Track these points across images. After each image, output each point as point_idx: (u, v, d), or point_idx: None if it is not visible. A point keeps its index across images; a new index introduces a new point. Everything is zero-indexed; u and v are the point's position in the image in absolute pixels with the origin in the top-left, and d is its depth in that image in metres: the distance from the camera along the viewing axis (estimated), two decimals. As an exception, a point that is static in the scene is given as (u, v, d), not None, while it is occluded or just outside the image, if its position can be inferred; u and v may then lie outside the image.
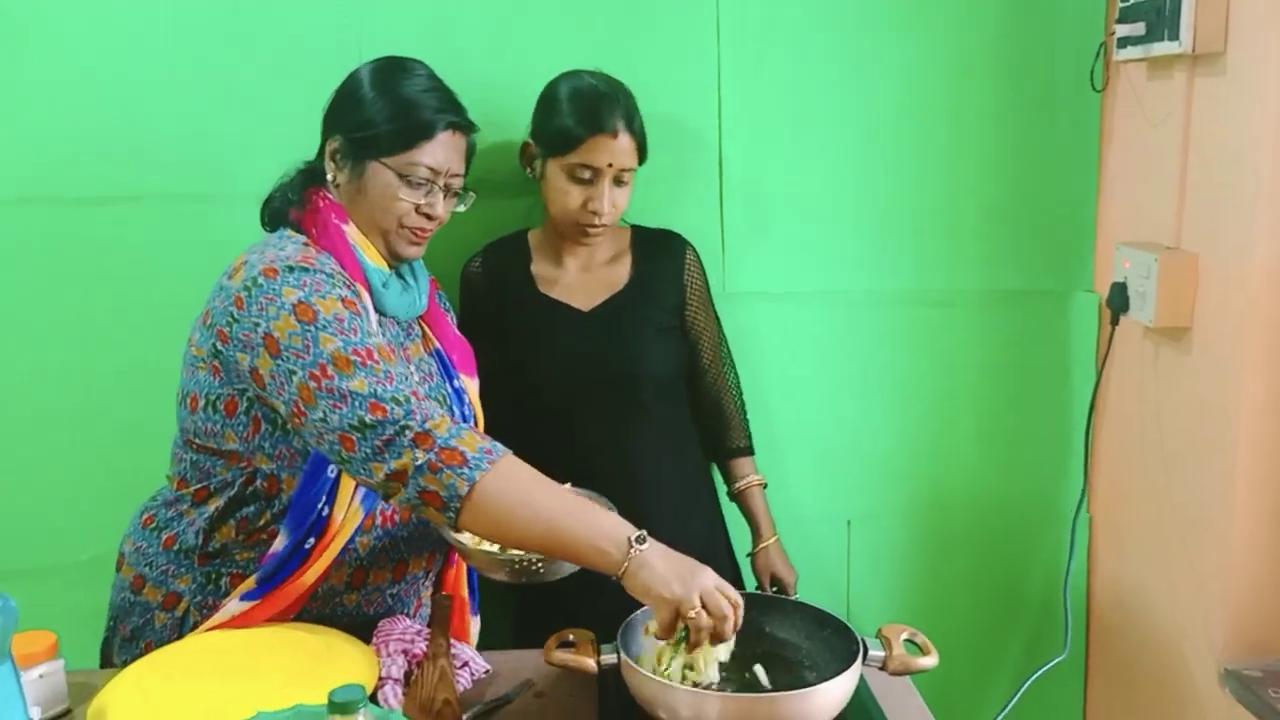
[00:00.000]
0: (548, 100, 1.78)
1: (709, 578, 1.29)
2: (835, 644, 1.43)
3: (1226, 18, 1.70)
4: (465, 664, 1.49)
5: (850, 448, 2.14)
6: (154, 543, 1.56)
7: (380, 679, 1.40)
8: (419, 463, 1.30)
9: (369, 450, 1.33)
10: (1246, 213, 1.68)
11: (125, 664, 1.55)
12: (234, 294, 1.42)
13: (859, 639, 1.40)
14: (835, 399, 2.12)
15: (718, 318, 1.97)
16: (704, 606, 1.26)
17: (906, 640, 1.43)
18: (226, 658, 1.40)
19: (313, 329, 1.37)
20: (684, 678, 1.32)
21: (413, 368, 1.60)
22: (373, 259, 1.55)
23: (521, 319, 1.85)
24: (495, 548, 1.46)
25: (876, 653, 1.40)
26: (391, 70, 1.57)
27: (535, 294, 1.86)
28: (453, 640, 1.51)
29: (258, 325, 1.39)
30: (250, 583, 1.48)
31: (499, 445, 1.35)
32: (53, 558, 2.03)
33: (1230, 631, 1.76)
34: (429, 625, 1.54)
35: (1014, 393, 2.15)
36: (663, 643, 1.32)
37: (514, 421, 1.82)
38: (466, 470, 1.30)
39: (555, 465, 1.75)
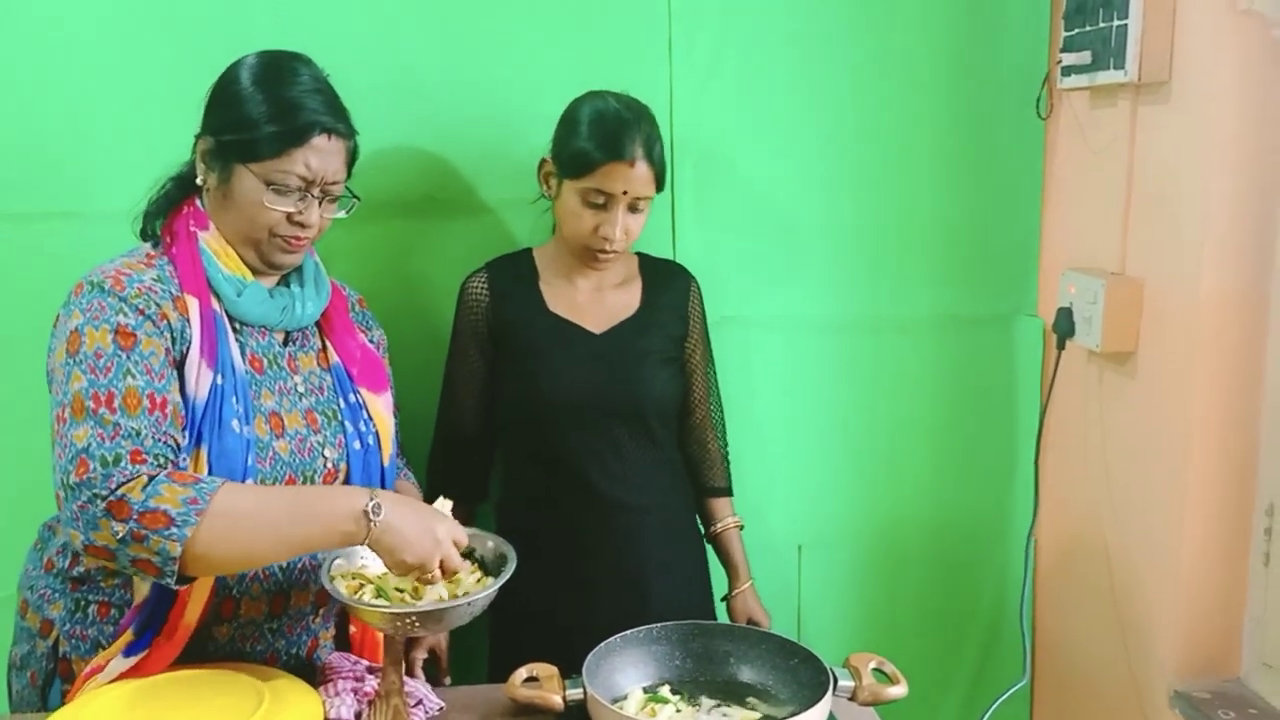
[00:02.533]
0: (568, 120, 1.74)
1: (444, 534, 1.34)
2: (803, 674, 1.41)
3: (1172, 48, 1.73)
4: (419, 702, 1.43)
5: (799, 473, 2.13)
6: (38, 564, 1.50)
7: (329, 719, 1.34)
8: (120, 535, 1.23)
9: (68, 514, 1.26)
10: (1191, 239, 1.71)
11: (18, 693, 1.50)
12: (58, 313, 1.40)
13: (828, 669, 1.37)
14: (783, 424, 2.11)
15: (712, 356, 1.95)
16: (440, 565, 1.34)
17: (874, 669, 1.41)
18: (163, 704, 1.32)
19: (71, 363, 1.33)
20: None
21: (299, 379, 1.52)
22: (231, 267, 1.46)
23: (531, 337, 1.80)
24: (379, 601, 1.38)
25: (846, 683, 1.38)
26: (270, 67, 1.46)
27: (546, 312, 1.81)
28: (405, 678, 1.44)
29: (50, 351, 1.39)
30: (129, 635, 1.39)
31: (207, 484, 1.27)
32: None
33: (1179, 653, 1.78)
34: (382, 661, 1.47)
35: (961, 417, 2.16)
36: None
37: (513, 437, 1.84)
38: (174, 530, 1.23)
39: (556, 482, 1.78)
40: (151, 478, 1.26)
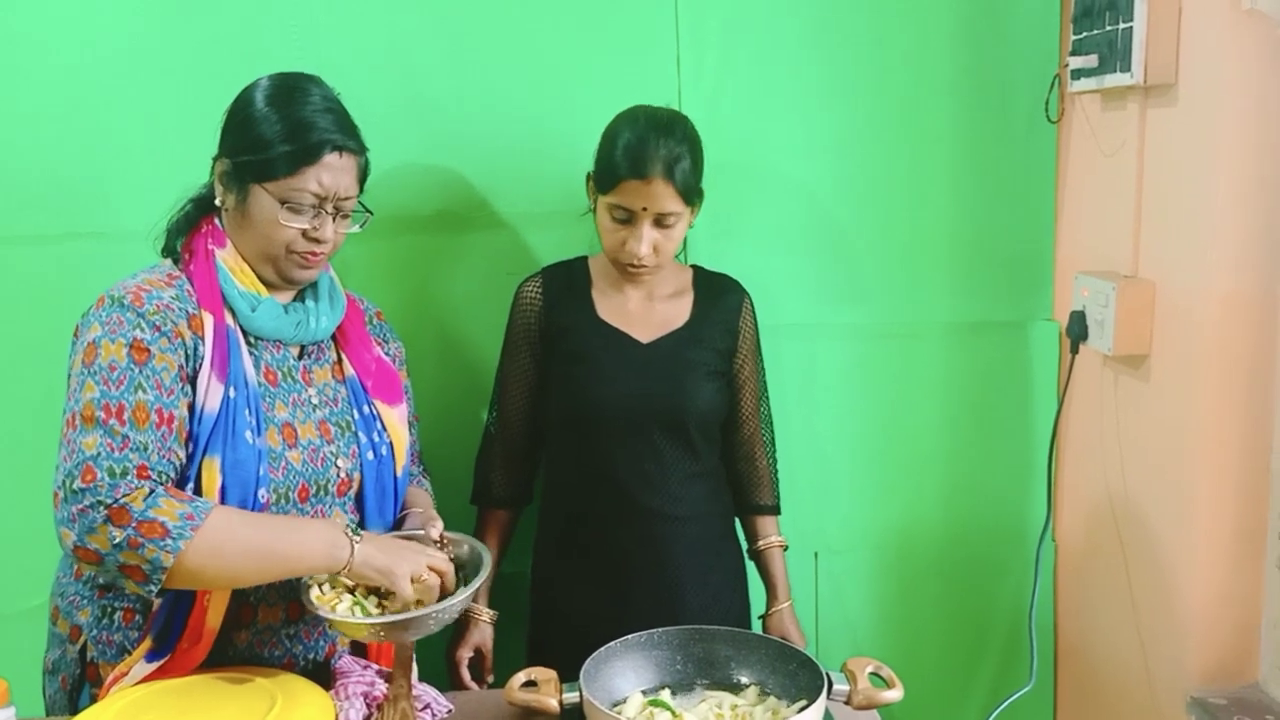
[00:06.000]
0: (604, 136, 1.77)
1: (418, 560, 1.42)
2: (801, 678, 1.42)
3: (1177, 50, 1.73)
4: (427, 706, 1.47)
5: (815, 479, 2.14)
6: (68, 572, 1.55)
7: (338, 723, 1.38)
8: (116, 541, 1.29)
9: (65, 515, 1.32)
10: (1201, 241, 1.70)
11: (51, 697, 1.55)
12: (76, 323, 1.47)
13: (824, 673, 1.38)
14: (798, 431, 2.11)
15: (763, 372, 1.96)
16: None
17: (871, 674, 1.42)
18: (177, 706, 1.37)
19: (86, 373, 1.38)
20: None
21: (313, 392, 1.57)
22: (245, 283, 1.51)
23: (580, 342, 1.83)
24: (355, 614, 1.43)
25: (841, 687, 1.39)
26: (282, 90, 1.51)
27: (596, 320, 1.84)
28: (414, 682, 1.48)
29: (70, 357, 1.45)
30: (148, 642, 1.45)
31: (202, 503, 1.35)
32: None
33: (1195, 659, 1.77)
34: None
35: (977, 422, 2.16)
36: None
37: (556, 441, 1.87)
38: (169, 542, 1.30)
39: (594, 489, 1.81)
40: (152, 490, 1.32)
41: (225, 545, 1.34)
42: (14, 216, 1.94)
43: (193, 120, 1.81)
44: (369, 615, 1.41)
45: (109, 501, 1.30)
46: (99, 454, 1.33)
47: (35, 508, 1.93)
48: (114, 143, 1.94)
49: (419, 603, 1.41)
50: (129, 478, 1.32)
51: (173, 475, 1.38)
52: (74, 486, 1.31)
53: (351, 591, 1.46)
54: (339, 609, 1.42)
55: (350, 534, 1.40)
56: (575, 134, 1.88)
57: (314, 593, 1.44)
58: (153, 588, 1.32)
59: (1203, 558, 1.75)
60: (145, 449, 1.35)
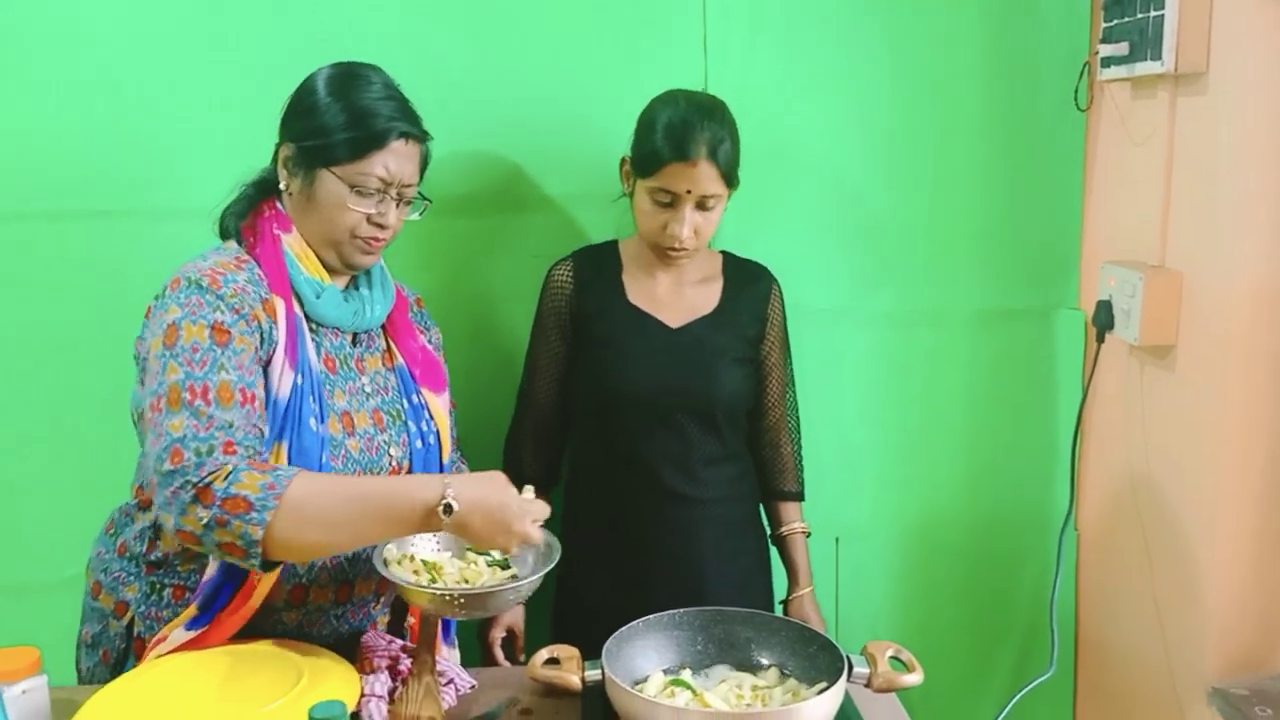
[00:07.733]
0: (642, 121, 1.78)
1: (516, 520, 1.38)
2: (821, 661, 1.43)
3: (1209, 38, 1.72)
4: (450, 681, 1.49)
5: (838, 465, 2.14)
6: (110, 548, 1.57)
7: (364, 695, 1.40)
8: (205, 520, 1.30)
9: (161, 499, 1.33)
10: (1230, 231, 1.70)
11: (89, 670, 1.57)
12: (148, 304, 1.47)
13: (844, 656, 1.39)
14: (822, 416, 2.11)
15: (790, 360, 1.97)
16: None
17: (892, 657, 1.43)
18: (208, 676, 1.39)
19: (168, 355, 1.39)
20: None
21: (366, 380, 1.58)
22: (310, 269, 1.53)
23: (609, 326, 1.85)
24: (423, 580, 1.45)
25: (861, 670, 1.40)
26: (346, 77, 1.54)
27: (625, 304, 1.86)
28: (438, 657, 1.50)
29: (144, 340, 1.46)
30: (193, 610, 1.46)
31: (284, 471, 1.34)
32: (32, 575, 2.02)
33: (1217, 649, 1.77)
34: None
35: (1001, 410, 2.16)
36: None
37: (583, 424, 1.89)
38: (255, 515, 1.30)
39: (619, 472, 1.83)
40: (234, 467, 1.33)
41: (313, 513, 1.33)
42: (77, 192, 1.95)
43: (252, 103, 1.83)
44: (447, 586, 1.44)
45: (195, 481, 1.31)
46: (185, 435, 1.34)
47: (70, 480, 1.99)
48: (175, 122, 1.95)
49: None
50: (215, 455, 1.33)
51: (260, 449, 1.39)
52: (164, 469, 1.32)
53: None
54: (422, 579, 1.46)
55: (442, 510, 1.34)
56: (603, 117, 1.90)
57: (392, 566, 1.46)
58: (254, 562, 1.32)
59: (1225, 548, 1.75)
60: (231, 426, 1.36)
